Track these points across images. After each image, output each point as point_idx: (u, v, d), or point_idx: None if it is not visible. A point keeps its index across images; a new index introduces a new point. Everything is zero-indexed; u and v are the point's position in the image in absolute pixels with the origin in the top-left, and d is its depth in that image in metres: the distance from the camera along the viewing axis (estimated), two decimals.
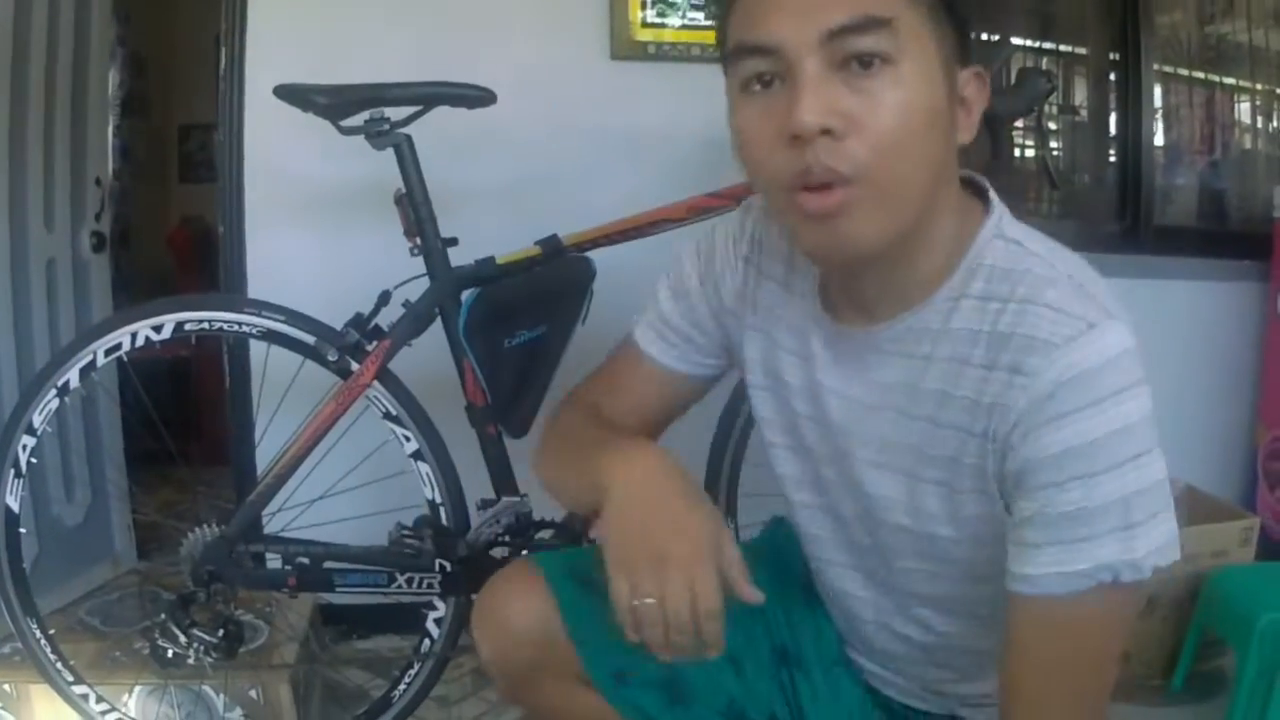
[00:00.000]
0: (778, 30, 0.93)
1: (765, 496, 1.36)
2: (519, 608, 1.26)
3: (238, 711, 1.98)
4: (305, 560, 1.83)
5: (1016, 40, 3.20)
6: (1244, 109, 3.50)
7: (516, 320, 1.83)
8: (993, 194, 1.06)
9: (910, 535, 1.10)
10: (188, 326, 1.81)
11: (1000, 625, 1.01)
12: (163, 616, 1.83)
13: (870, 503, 1.12)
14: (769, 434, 1.24)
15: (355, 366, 1.81)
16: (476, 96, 1.81)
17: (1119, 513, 0.90)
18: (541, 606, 1.24)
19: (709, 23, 2.44)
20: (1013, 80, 1.94)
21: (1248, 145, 3.53)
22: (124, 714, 1.93)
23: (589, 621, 1.18)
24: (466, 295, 1.81)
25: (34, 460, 1.83)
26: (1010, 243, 1.01)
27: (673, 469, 1.07)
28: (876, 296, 1.05)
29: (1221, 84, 3.41)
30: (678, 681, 1.25)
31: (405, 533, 1.83)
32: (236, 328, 1.82)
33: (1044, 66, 3.24)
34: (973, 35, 1.01)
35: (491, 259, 1.85)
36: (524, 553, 1.84)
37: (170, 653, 1.81)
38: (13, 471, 1.82)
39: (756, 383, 1.23)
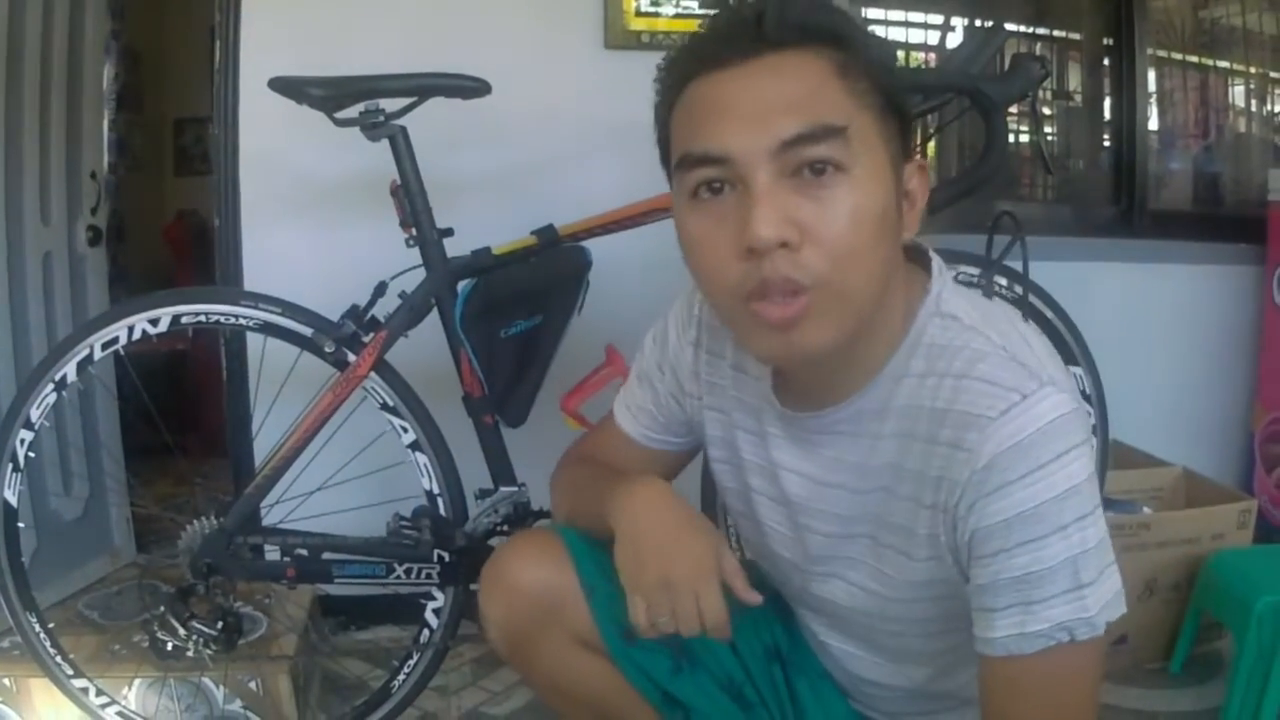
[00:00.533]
0: (729, 140, 0.92)
1: None
2: (532, 560, 1.27)
3: (237, 703, 1.98)
4: (304, 552, 1.84)
5: (1010, 26, 3.20)
6: (1238, 93, 3.50)
7: (512, 310, 1.83)
8: (935, 263, 1.07)
9: (873, 598, 1.12)
10: (184, 319, 1.81)
11: (967, 669, 1.04)
12: (162, 609, 1.83)
13: (829, 566, 1.15)
14: (729, 501, 1.29)
15: (352, 358, 1.81)
16: (471, 87, 1.81)
17: (1068, 574, 0.92)
18: (554, 562, 1.26)
19: (703, 11, 2.43)
20: (1007, 66, 1.94)
21: (1242, 129, 3.53)
22: (124, 707, 1.93)
23: (603, 576, 1.20)
24: (462, 286, 1.81)
25: (32, 454, 1.83)
26: (947, 319, 1.02)
27: (671, 498, 1.15)
28: (826, 385, 1.07)
29: (1215, 68, 3.41)
30: (683, 649, 1.27)
31: (403, 523, 1.84)
32: (233, 320, 1.82)
33: (1038, 52, 3.24)
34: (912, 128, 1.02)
35: (487, 249, 1.85)
36: None
37: (169, 645, 1.80)
38: (10, 466, 1.81)
39: (716, 456, 1.27)
